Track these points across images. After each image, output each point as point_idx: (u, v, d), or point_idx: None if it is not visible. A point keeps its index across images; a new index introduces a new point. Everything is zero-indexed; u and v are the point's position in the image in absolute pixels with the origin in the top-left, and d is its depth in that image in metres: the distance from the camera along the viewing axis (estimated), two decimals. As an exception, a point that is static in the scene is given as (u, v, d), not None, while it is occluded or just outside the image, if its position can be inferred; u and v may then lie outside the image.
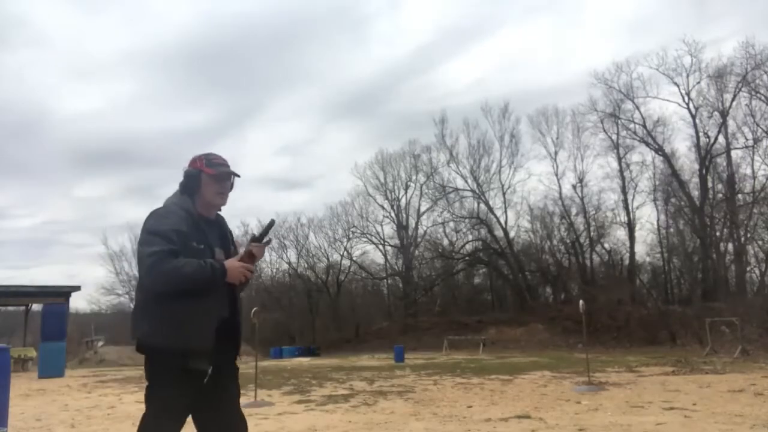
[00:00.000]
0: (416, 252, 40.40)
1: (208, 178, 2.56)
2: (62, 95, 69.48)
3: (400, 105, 61.40)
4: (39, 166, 66.83)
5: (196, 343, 2.32)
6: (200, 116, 67.30)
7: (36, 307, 25.13)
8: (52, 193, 71.15)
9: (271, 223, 2.63)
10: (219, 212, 2.70)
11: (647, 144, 31.89)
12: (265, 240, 2.59)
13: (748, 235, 29.03)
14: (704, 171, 30.29)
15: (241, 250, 2.57)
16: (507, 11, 63.79)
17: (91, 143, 65.18)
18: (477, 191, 37.06)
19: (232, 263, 2.41)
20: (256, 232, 2.64)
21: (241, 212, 77.44)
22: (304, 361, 22.95)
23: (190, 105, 68.24)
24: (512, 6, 64.38)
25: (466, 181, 37.56)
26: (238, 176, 2.63)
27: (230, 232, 2.77)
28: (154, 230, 2.39)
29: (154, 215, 2.51)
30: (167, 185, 65.98)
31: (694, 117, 30.45)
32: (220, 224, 2.71)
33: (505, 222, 36.55)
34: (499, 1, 64.29)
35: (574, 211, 34.52)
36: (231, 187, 2.64)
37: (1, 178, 64.89)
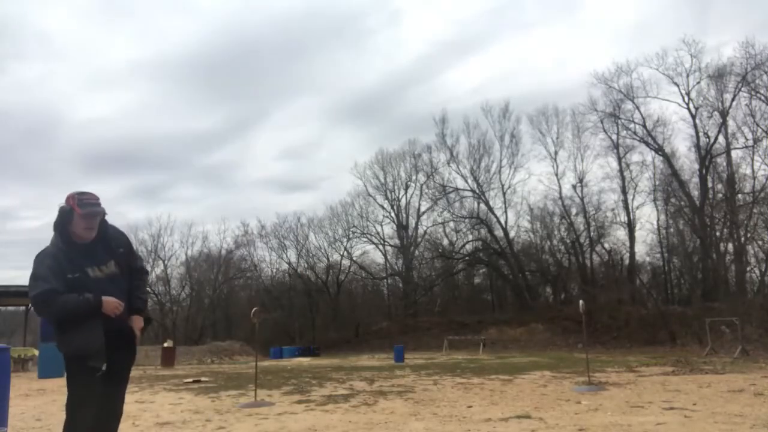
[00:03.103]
0: (416, 252, 40.42)
1: (78, 216, 2.98)
2: (74, 104, 72.00)
3: (402, 110, 62.48)
4: (48, 169, 69.10)
5: (89, 347, 2.91)
6: (207, 123, 69.35)
7: (36, 307, 25.15)
8: (60, 195, 71.84)
9: (149, 321, 3.31)
10: (103, 224, 3.14)
11: (647, 144, 31.92)
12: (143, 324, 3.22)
13: (748, 235, 29.01)
14: (704, 171, 30.29)
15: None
16: (507, 21, 64.34)
17: (100, 148, 67.58)
18: (477, 191, 37.11)
19: (107, 299, 2.94)
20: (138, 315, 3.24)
21: (243, 213, 78.69)
22: (304, 361, 22.95)
23: (197, 112, 70.40)
24: (512, 15, 64.85)
25: (466, 181, 37.64)
26: (106, 214, 3.10)
27: (113, 236, 3.23)
28: (34, 275, 2.95)
29: (36, 260, 3.01)
30: (173, 188, 67.73)
31: (694, 117, 30.50)
32: (103, 238, 3.15)
33: (505, 222, 36.63)
34: (499, 11, 64.79)
35: (574, 211, 34.60)
36: (102, 219, 3.12)
37: (11, 181, 67.02)
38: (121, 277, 3.17)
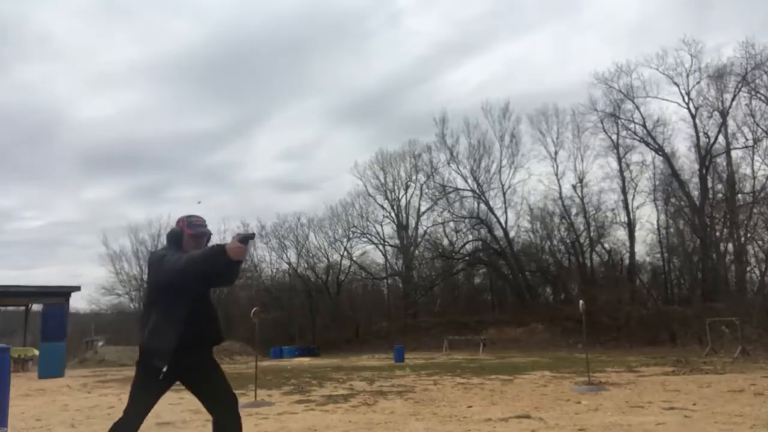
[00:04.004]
0: (416, 252, 40.38)
1: (188, 237, 3.30)
2: (75, 104, 71.75)
3: (402, 110, 62.48)
4: (49, 170, 69.38)
5: (159, 347, 3.09)
6: (207, 124, 69.50)
7: (36, 307, 25.14)
8: (61, 195, 73.33)
9: (252, 235, 3.13)
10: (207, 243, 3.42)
11: (647, 144, 31.90)
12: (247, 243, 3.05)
13: (748, 235, 29.01)
14: (704, 171, 30.29)
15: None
16: (507, 21, 64.27)
17: (101, 149, 67.50)
18: (477, 191, 37.08)
19: (231, 244, 2.96)
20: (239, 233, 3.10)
21: (243, 213, 78.88)
22: (304, 361, 22.96)
23: (197, 113, 70.45)
24: (512, 16, 64.82)
25: (466, 181, 37.60)
26: (211, 235, 3.41)
27: None
28: (159, 257, 3.19)
29: (155, 254, 3.28)
30: (172, 188, 67.72)
31: (694, 117, 30.49)
32: None
33: (505, 222, 36.60)
34: (499, 12, 64.81)
35: (574, 211, 34.56)
36: (207, 241, 3.39)
37: (12, 181, 67.46)
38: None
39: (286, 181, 66.87)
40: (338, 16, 67.11)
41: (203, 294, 3.29)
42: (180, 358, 3.08)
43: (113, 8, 68.10)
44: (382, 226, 41.46)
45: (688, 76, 30.21)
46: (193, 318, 3.16)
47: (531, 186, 50.23)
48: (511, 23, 64.46)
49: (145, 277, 44.26)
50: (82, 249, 73.76)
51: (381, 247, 41.84)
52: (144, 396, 3.18)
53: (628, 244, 33.04)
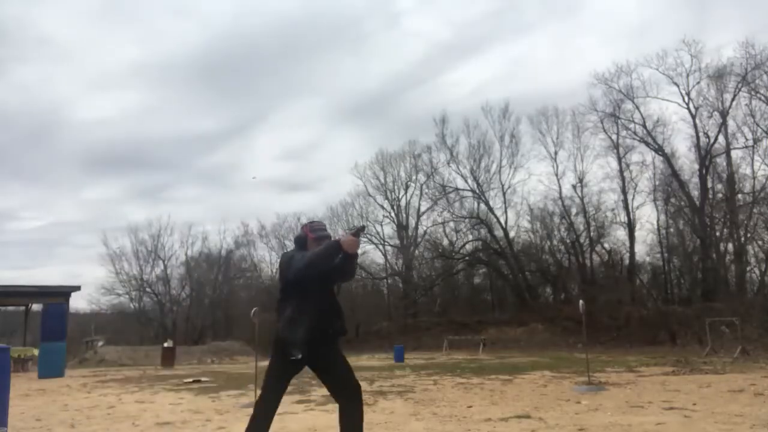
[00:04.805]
0: (416, 252, 40.36)
1: (311, 240, 3.70)
2: (76, 105, 72.02)
3: (402, 111, 62.63)
4: (50, 170, 69.93)
5: (294, 337, 3.45)
6: (208, 124, 69.93)
7: (36, 307, 25.13)
8: (61, 196, 73.66)
9: (363, 228, 3.71)
10: None
11: (647, 144, 31.87)
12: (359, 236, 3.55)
13: (748, 235, 29.01)
14: (704, 171, 30.26)
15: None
16: (507, 22, 64.36)
17: (101, 149, 67.84)
18: (477, 191, 37.06)
19: (345, 239, 3.43)
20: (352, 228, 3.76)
21: (243, 213, 79.01)
22: (304, 361, 22.88)
23: (198, 114, 71.00)
24: (512, 17, 64.88)
25: (466, 181, 37.58)
26: (331, 238, 3.73)
27: None
28: (290, 257, 3.62)
29: (285, 255, 3.75)
30: (173, 188, 67.98)
31: (694, 117, 30.45)
32: None
33: (505, 222, 36.57)
34: (499, 12, 64.83)
35: (574, 211, 34.53)
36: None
37: (12, 182, 67.48)
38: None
39: (286, 182, 67.17)
40: (338, 17, 67.36)
41: (329, 289, 3.66)
42: (311, 347, 3.45)
43: (114, 10, 68.40)
44: (382, 226, 41.50)
45: (688, 76, 30.20)
46: (322, 311, 3.54)
47: (531, 186, 50.26)
48: (511, 23, 64.54)
49: (148, 277, 44.36)
50: (82, 249, 74.21)
51: (381, 247, 41.88)
52: (278, 383, 3.62)
53: (628, 244, 33.04)
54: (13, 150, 66.57)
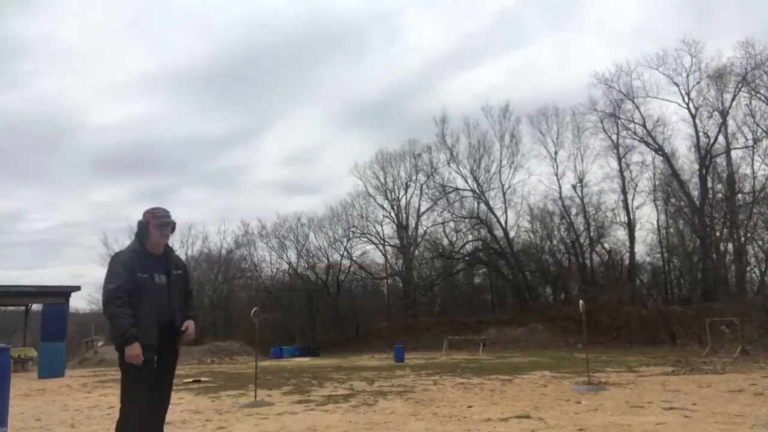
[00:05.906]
0: (416, 252, 40.38)
1: (153, 227, 3.75)
2: (87, 113, 74.19)
3: (402, 115, 63.43)
4: (59, 173, 71.29)
5: (144, 342, 3.50)
6: (213, 129, 71.56)
7: (36, 307, 25.10)
8: (69, 198, 75.04)
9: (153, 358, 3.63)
10: (168, 247, 3.96)
11: (647, 144, 31.88)
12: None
13: (748, 235, 29.01)
14: (704, 171, 30.26)
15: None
16: (508, 28, 64.73)
17: (109, 154, 69.50)
18: (477, 191, 37.07)
19: (133, 346, 3.45)
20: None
21: (244, 214, 79.57)
22: (304, 361, 22.96)
23: (204, 120, 72.65)
24: (513, 22, 65.26)
25: (466, 181, 37.60)
26: (175, 224, 3.87)
27: (176, 258, 4.08)
28: (110, 271, 3.62)
29: (112, 260, 3.72)
30: (178, 191, 68.97)
31: (694, 117, 30.46)
32: (167, 256, 3.95)
33: (505, 222, 36.59)
34: (500, 16, 65.15)
35: (574, 211, 34.55)
36: (172, 230, 3.91)
37: (21, 184, 69.22)
38: (169, 289, 3.84)
39: (290, 185, 67.89)
40: (341, 27, 68.45)
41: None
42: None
43: (125, 23, 69.50)
44: (382, 226, 41.52)
45: (688, 76, 30.22)
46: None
47: (531, 186, 50.23)
48: (511, 23, 64.60)
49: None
50: (86, 250, 75.22)
51: (381, 247, 41.89)
52: (137, 386, 3.67)
53: (628, 244, 33.07)
54: (25, 155, 67.62)
